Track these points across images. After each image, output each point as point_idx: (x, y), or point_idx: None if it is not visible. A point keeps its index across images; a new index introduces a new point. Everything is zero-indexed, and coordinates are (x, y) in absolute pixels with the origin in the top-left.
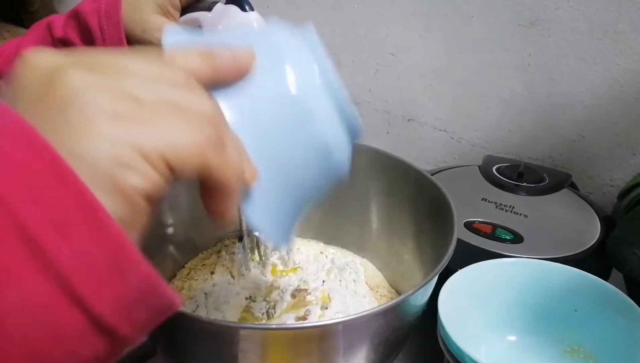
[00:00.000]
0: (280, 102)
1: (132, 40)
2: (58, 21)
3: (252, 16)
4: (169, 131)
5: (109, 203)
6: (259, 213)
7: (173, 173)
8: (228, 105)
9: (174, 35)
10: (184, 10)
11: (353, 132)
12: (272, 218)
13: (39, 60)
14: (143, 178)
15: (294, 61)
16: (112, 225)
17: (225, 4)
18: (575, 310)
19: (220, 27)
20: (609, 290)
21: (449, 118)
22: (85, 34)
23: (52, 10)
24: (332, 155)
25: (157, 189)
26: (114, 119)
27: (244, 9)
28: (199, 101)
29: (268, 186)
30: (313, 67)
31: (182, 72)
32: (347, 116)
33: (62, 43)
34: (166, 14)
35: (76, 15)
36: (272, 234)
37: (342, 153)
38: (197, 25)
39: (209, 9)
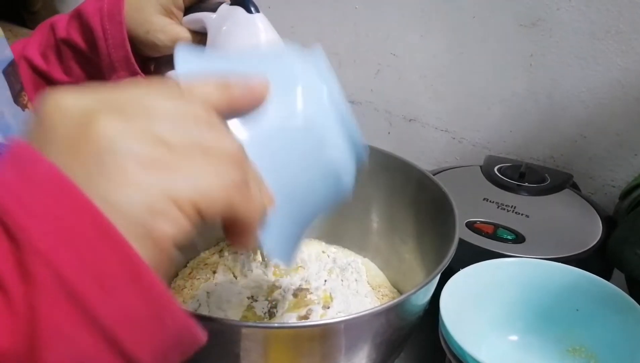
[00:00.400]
0: (293, 130)
1: (135, 40)
2: (61, 22)
3: (258, 18)
4: (199, 178)
5: (141, 250)
6: (272, 238)
7: (201, 218)
8: (244, 135)
9: (186, 61)
10: (187, 10)
11: (359, 156)
12: (283, 241)
13: (67, 103)
14: (174, 225)
15: (305, 87)
16: (152, 278)
17: (230, 5)
18: (577, 310)
19: (224, 28)
20: (611, 289)
21: (451, 118)
22: (88, 35)
23: (54, 10)
24: (340, 180)
25: (185, 235)
26: (147, 167)
27: (249, 11)
28: (223, 139)
29: (281, 210)
30: (323, 92)
31: (202, 106)
32: (355, 140)
33: (65, 44)
34: (169, 14)
35: (78, 16)
36: (282, 256)
37: (349, 176)
38: (201, 26)
39: (213, 9)
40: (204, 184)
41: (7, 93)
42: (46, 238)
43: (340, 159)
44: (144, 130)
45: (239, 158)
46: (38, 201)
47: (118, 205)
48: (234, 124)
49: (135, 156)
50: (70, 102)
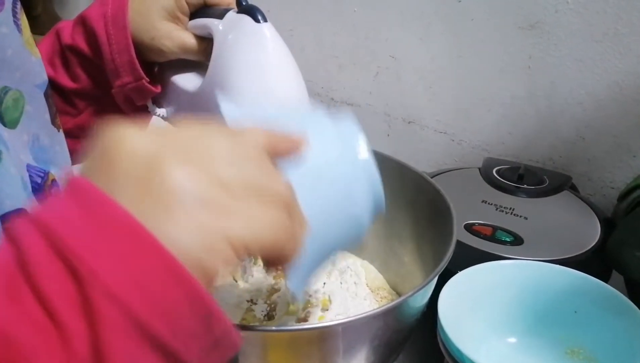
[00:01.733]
0: (327, 178)
1: (141, 46)
2: (66, 28)
3: (266, 27)
4: (254, 222)
5: None
6: (296, 274)
7: (248, 254)
8: (288, 174)
9: (231, 110)
10: (193, 15)
11: (378, 206)
12: (303, 277)
13: (136, 144)
14: (225, 262)
15: (340, 145)
16: (214, 308)
17: (238, 12)
18: (575, 312)
19: (230, 36)
20: (609, 291)
21: (450, 120)
22: (92, 40)
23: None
24: (358, 228)
25: (231, 268)
26: (208, 210)
27: (257, 20)
28: (275, 180)
29: (308, 249)
30: (356, 152)
31: (254, 147)
32: (376, 192)
33: (70, 50)
34: (174, 19)
35: (83, 21)
36: (299, 291)
37: (365, 226)
38: (207, 32)
39: (220, 16)
40: (258, 227)
41: (47, 116)
42: (117, 279)
43: (362, 210)
44: (206, 173)
45: (289, 200)
46: (109, 244)
47: (180, 243)
48: (279, 164)
49: (198, 199)
50: (139, 143)
